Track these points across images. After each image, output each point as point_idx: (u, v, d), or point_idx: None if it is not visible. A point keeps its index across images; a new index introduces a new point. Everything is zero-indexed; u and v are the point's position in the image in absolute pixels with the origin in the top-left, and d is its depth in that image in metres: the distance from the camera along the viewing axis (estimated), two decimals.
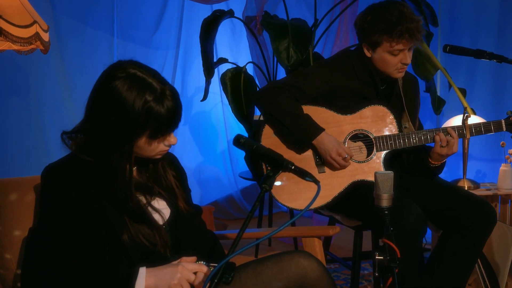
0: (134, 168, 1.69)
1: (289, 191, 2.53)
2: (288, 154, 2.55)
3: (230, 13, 3.52)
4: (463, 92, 3.53)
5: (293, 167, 1.48)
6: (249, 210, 4.35)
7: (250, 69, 3.80)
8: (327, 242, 2.95)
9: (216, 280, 1.35)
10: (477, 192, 3.19)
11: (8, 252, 1.73)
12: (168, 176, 1.73)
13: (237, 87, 3.37)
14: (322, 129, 2.47)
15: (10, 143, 3.64)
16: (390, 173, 1.89)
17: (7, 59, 3.28)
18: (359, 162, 2.52)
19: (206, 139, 4.77)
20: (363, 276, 3.27)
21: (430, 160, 2.50)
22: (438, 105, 3.69)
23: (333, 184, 2.51)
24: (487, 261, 2.98)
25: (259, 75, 3.74)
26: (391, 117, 2.51)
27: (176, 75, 4.49)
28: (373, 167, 2.51)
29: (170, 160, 1.81)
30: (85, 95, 1.60)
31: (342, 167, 2.48)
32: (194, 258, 1.57)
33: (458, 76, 4.01)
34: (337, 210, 2.62)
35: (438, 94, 4.01)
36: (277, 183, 2.52)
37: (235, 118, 3.46)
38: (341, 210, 2.60)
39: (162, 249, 1.59)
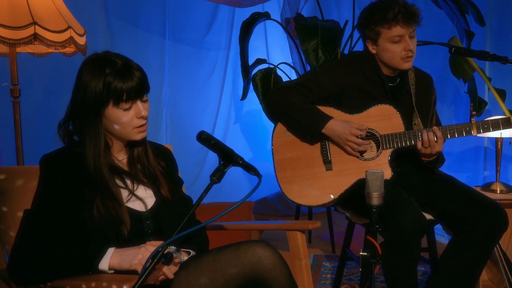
0: (124, 158, 1.86)
1: (299, 188, 2.62)
2: (298, 152, 2.64)
3: (266, 16, 3.64)
4: (503, 93, 3.44)
5: (241, 162, 1.58)
6: (296, 207, 4.36)
7: (288, 69, 3.89)
8: (347, 239, 2.98)
9: (155, 260, 1.48)
10: (509, 196, 3.11)
11: (12, 230, 1.96)
12: (153, 165, 1.88)
13: (268, 87, 3.48)
14: (330, 117, 2.54)
15: None
16: (380, 172, 1.95)
17: (65, 60, 3.59)
18: (365, 160, 2.56)
19: (257, 136, 4.91)
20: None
21: (422, 158, 2.52)
22: (479, 106, 3.61)
23: (339, 182, 2.57)
24: (510, 262, 2.91)
25: (296, 75, 3.83)
26: (398, 116, 2.53)
27: (227, 75, 4.67)
28: (379, 164, 2.54)
29: (161, 152, 1.97)
30: None
31: (362, 149, 2.53)
32: (160, 242, 1.71)
33: (506, 77, 3.88)
34: (347, 207, 2.69)
35: (483, 96, 3.92)
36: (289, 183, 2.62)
37: None
38: (350, 207, 2.66)
39: (124, 229, 1.71)
